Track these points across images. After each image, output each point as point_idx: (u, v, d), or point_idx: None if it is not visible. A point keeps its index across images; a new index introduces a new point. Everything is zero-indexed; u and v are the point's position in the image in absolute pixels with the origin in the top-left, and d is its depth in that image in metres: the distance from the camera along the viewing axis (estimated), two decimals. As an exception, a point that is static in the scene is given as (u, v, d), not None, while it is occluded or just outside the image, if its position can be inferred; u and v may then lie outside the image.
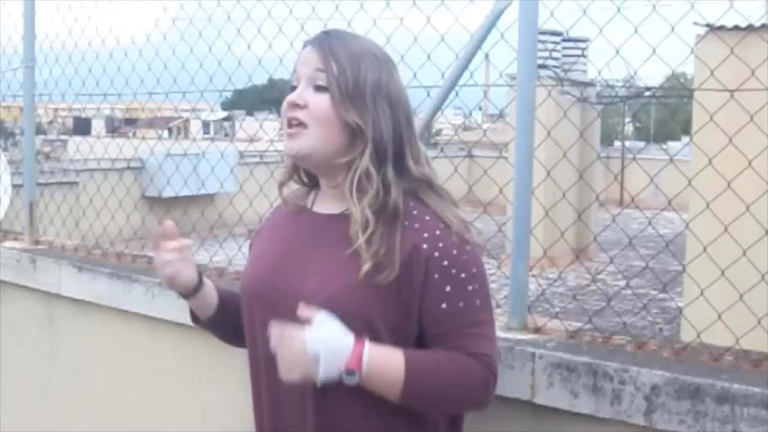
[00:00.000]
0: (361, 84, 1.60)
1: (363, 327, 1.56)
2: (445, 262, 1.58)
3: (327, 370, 1.50)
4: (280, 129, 1.70)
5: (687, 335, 2.27)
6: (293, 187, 1.81)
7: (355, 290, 1.57)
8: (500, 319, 2.17)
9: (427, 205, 1.64)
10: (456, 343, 1.59)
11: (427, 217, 1.62)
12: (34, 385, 3.47)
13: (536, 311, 2.18)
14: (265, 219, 1.88)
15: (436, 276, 1.58)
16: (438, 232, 1.60)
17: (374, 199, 1.59)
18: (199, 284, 1.78)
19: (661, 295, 4.66)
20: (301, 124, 1.61)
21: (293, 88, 1.65)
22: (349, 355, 1.50)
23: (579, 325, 2.11)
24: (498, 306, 2.28)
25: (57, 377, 3.36)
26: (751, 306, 2.05)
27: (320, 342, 1.50)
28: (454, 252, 1.59)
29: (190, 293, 1.79)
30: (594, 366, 1.85)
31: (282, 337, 1.53)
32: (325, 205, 1.72)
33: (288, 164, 1.76)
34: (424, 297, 1.58)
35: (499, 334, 2.05)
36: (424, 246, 1.58)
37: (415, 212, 1.62)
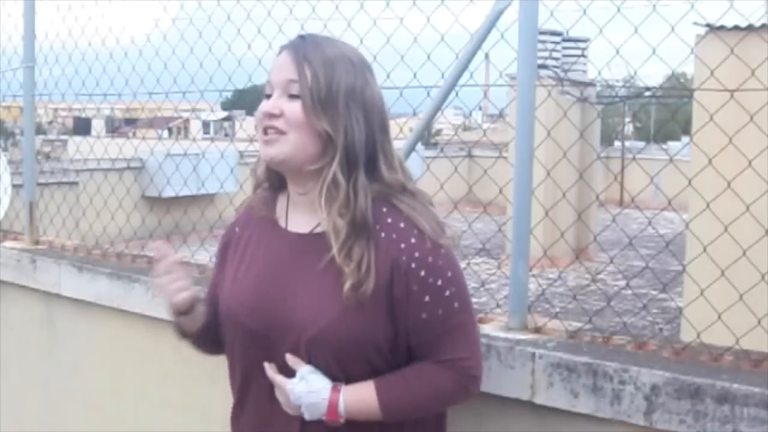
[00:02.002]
0: (334, 90, 1.60)
1: (361, 349, 1.61)
2: (422, 272, 1.60)
3: (311, 416, 1.64)
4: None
5: (687, 335, 2.27)
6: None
7: (344, 317, 1.59)
8: (500, 319, 2.17)
9: (399, 210, 1.64)
10: (434, 349, 1.64)
11: (402, 224, 1.63)
12: (34, 385, 3.47)
13: (536, 311, 2.18)
14: (233, 228, 1.85)
15: (415, 288, 1.60)
16: (413, 241, 1.61)
17: (344, 207, 1.60)
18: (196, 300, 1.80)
19: (661, 295, 4.66)
20: (279, 132, 1.62)
21: (267, 96, 1.65)
22: (325, 410, 1.62)
23: (579, 325, 2.11)
24: (498, 306, 2.28)
25: (57, 377, 3.36)
26: (751, 306, 2.05)
27: (300, 397, 1.63)
28: (430, 260, 1.61)
29: (187, 311, 1.80)
30: (594, 366, 1.85)
31: (274, 381, 1.67)
32: (297, 221, 1.71)
33: (261, 170, 1.77)
34: (408, 309, 1.61)
35: (499, 334, 2.05)
36: (403, 258, 1.60)
37: (389, 220, 1.63)
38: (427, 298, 1.61)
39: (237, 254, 1.80)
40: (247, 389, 1.75)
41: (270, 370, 1.67)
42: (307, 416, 1.63)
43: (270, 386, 1.68)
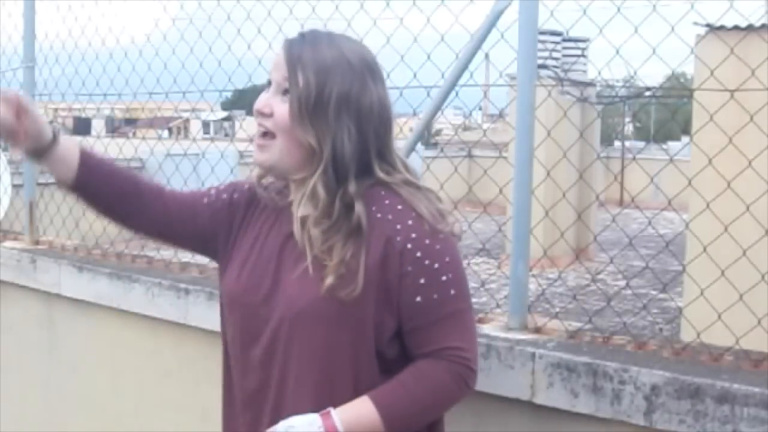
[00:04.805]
0: (325, 98, 1.56)
1: (345, 332, 1.57)
2: (419, 254, 1.57)
3: None
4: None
5: (687, 335, 2.27)
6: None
7: (320, 306, 1.56)
8: (500, 319, 2.18)
9: (398, 194, 1.61)
10: (427, 337, 1.59)
11: (399, 207, 1.60)
12: (34, 385, 3.47)
13: (536, 311, 2.18)
14: (247, 195, 1.80)
15: (410, 268, 1.56)
16: (410, 222, 1.58)
17: (323, 217, 1.57)
18: (52, 142, 1.70)
19: (661, 295, 4.66)
20: (270, 134, 1.61)
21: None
22: None
23: (579, 325, 2.11)
24: (498, 306, 2.28)
25: (57, 377, 3.36)
26: (751, 306, 2.05)
27: None
28: (427, 242, 1.57)
29: (42, 151, 1.71)
30: (594, 366, 1.85)
31: None
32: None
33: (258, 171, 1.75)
34: (401, 291, 1.57)
35: (499, 334, 2.05)
36: (398, 238, 1.57)
37: (386, 201, 1.60)
38: (422, 281, 1.57)
39: (247, 235, 1.75)
40: (230, 381, 1.73)
41: None
42: None
43: (256, 382, 1.64)
